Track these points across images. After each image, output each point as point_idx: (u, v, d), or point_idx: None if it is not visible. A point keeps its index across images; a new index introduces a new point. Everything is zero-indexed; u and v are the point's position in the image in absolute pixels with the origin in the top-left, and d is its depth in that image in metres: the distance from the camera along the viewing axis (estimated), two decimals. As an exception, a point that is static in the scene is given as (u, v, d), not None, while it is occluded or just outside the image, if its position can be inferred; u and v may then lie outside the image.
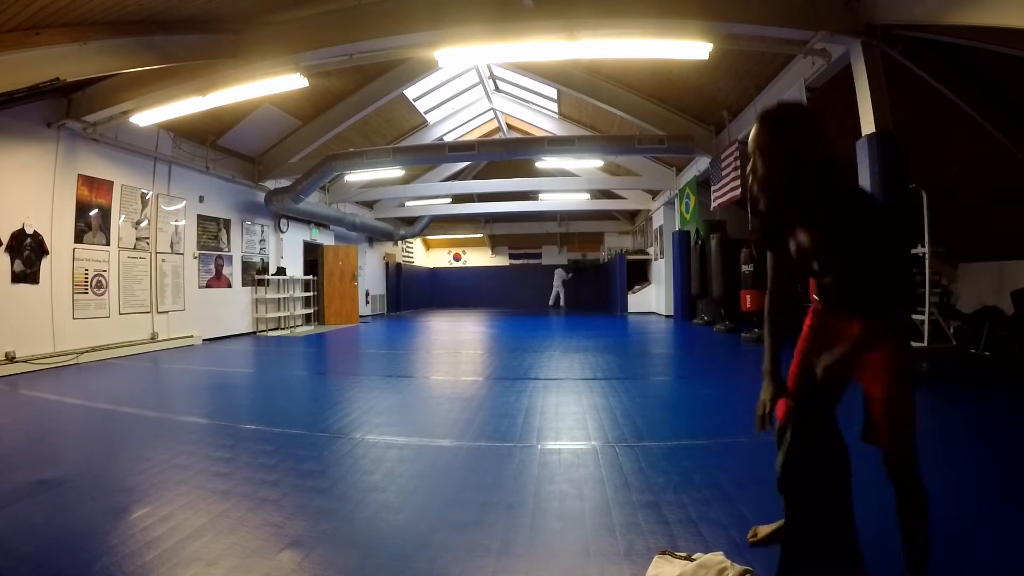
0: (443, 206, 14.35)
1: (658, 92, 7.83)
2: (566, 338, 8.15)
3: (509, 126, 13.12)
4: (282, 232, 10.34)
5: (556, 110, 10.82)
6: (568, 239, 18.89)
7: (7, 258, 5.28)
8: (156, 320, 7.18)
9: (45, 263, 5.64)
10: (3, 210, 5.27)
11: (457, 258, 20.34)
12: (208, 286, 8.32)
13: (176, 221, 7.69)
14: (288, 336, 9.20)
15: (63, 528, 1.82)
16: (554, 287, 17.99)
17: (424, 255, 20.12)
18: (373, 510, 2.00)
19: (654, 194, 12.98)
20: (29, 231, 5.48)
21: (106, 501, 2.08)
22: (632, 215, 16.79)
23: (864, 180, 4.31)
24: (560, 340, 7.88)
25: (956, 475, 2.33)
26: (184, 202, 7.82)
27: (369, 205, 14.23)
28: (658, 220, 12.84)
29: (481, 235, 19.08)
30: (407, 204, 13.78)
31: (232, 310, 8.88)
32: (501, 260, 19.92)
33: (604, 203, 14.57)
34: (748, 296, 7.49)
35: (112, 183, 6.56)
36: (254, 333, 9.30)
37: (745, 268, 7.63)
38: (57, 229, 5.79)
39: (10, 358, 5.19)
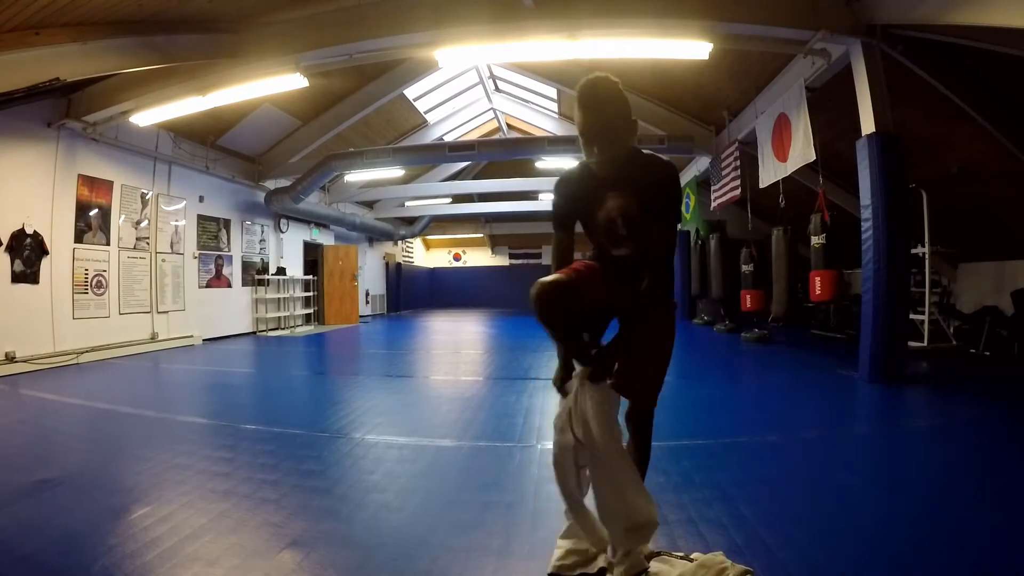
0: (443, 206, 14.35)
1: (658, 92, 7.83)
2: (566, 338, 8.13)
3: (509, 126, 13.12)
4: (282, 232, 10.34)
5: (556, 110, 10.82)
6: (568, 239, 18.86)
7: (7, 258, 5.27)
8: (156, 320, 7.18)
9: (45, 263, 5.64)
10: (3, 210, 5.27)
11: (457, 258, 20.32)
12: (208, 286, 8.32)
13: (176, 221, 7.68)
14: (288, 336, 9.20)
15: (63, 528, 1.82)
16: None
17: (424, 255, 20.11)
18: (373, 510, 2.00)
19: (654, 194, 12.95)
20: (29, 231, 5.48)
21: (106, 501, 2.08)
22: (632, 215, 16.75)
23: (864, 180, 4.32)
24: (560, 340, 7.86)
25: (957, 477, 2.33)
26: (184, 202, 7.82)
27: (369, 205, 14.22)
28: (658, 220, 12.81)
29: (481, 235, 19.06)
30: (407, 204, 13.78)
31: (232, 310, 8.88)
32: (501, 260, 19.90)
33: (604, 203, 14.52)
34: (748, 296, 7.49)
35: (112, 183, 6.56)
36: (254, 333, 9.30)
37: (745, 268, 7.63)
38: (57, 229, 5.79)
39: (10, 358, 5.18)
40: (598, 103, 1.42)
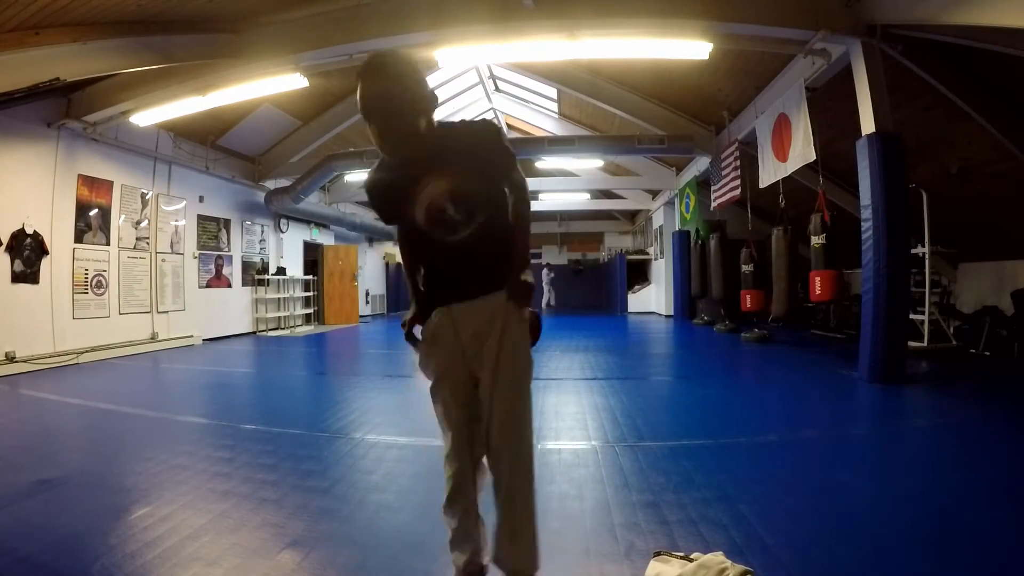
0: (443, 206, 14.32)
1: (658, 92, 7.83)
2: (566, 338, 8.14)
3: (509, 126, 13.10)
4: (282, 232, 10.34)
5: (556, 110, 10.82)
6: (568, 239, 18.88)
7: (7, 258, 5.27)
8: (156, 320, 7.18)
9: (45, 263, 5.64)
10: (3, 210, 5.27)
11: (457, 258, 20.26)
12: (208, 286, 8.32)
13: (176, 221, 7.68)
14: (288, 336, 9.19)
15: (63, 528, 1.82)
16: (544, 289, 17.70)
17: (424, 255, 20.08)
18: (373, 510, 2.01)
19: (654, 194, 12.97)
20: (29, 231, 5.47)
21: (106, 501, 2.08)
22: (632, 215, 16.78)
23: (864, 180, 4.32)
24: (560, 340, 7.87)
25: (957, 477, 2.33)
26: (184, 202, 7.82)
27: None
28: (658, 220, 12.83)
29: (481, 235, 19.05)
30: (407, 204, 13.76)
31: (232, 310, 8.88)
32: (501, 260, 19.88)
33: (604, 203, 14.55)
34: (748, 296, 7.49)
35: (112, 183, 6.56)
36: (254, 333, 9.30)
37: (745, 268, 7.62)
38: (57, 229, 5.79)
39: (10, 358, 5.18)
40: (377, 76, 1.18)
